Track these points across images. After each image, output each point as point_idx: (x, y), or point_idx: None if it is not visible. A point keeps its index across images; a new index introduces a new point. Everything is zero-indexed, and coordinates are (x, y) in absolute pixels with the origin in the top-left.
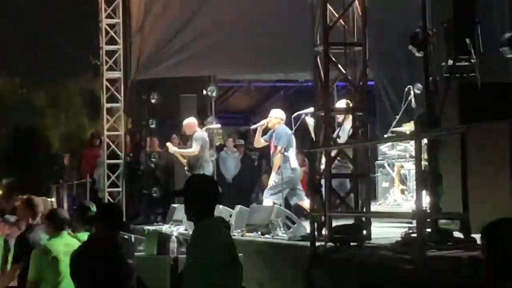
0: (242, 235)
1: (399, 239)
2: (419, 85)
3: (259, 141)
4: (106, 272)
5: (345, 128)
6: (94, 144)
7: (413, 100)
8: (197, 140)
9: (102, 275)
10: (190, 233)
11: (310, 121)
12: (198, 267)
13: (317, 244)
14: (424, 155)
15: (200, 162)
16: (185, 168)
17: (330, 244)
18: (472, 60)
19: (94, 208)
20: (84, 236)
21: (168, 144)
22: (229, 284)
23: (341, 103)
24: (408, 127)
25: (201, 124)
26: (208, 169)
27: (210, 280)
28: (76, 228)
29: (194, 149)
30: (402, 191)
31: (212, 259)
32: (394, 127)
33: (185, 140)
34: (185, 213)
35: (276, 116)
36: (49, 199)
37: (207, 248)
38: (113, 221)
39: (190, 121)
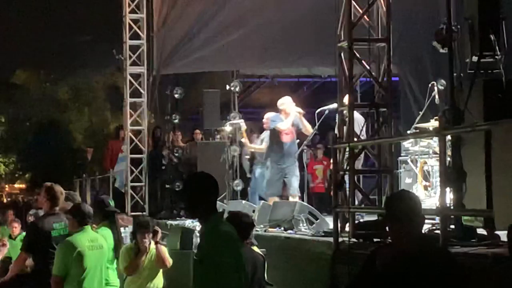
0: (265, 231)
1: None
2: (443, 81)
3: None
4: None
5: (359, 122)
6: (119, 137)
7: (436, 96)
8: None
9: None
10: None
11: None
12: (205, 264)
13: (340, 240)
14: (448, 152)
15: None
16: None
17: (353, 240)
18: (497, 57)
19: (111, 203)
20: (104, 231)
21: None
22: (238, 277)
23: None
24: (432, 124)
25: (223, 119)
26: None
27: (219, 277)
28: (95, 223)
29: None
30: (425, 187)
31: (218, 255)
32: (417, 123)
33: (208, 135)
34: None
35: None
36: (77, 194)
37: (213, 244)
38: None
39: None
